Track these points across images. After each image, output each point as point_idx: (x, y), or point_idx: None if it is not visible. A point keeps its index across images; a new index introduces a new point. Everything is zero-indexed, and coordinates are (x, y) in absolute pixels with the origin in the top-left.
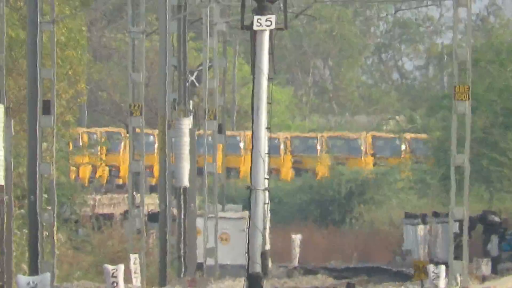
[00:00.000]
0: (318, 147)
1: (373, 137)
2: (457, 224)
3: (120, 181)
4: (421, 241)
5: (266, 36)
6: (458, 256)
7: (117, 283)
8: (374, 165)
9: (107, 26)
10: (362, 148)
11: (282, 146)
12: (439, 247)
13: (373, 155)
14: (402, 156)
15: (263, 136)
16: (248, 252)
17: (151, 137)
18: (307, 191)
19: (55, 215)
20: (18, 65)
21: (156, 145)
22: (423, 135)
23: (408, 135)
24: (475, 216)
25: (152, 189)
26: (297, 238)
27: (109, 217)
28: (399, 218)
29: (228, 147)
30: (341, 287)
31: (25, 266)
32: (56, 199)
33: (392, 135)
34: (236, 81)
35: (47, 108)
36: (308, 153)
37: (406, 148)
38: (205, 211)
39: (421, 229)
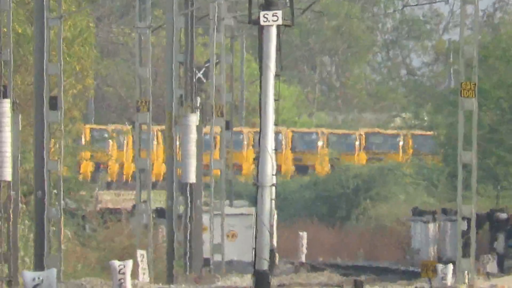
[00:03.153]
0: (357, 143)
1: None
2: (466, 221)
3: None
4: (431, 239)
5: (273, 31)
6: (466, 254)
7: (124, 280)
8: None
9: (114, 21)
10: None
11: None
12: (448, 244)
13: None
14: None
15: (271, 132)
16: (255, 249)
17: (106, 134)
18: (312, 188)
19: (61, 210)
20: (25, 61)
21: (110, 143)
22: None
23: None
24: (483, 214)
25: (109, 186)
26: (303, 235)
27: (115, 212)
28: (406, 214)
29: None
30: (348, 284)
31: (28, 261)
32: (62, 194)
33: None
34: (244, 78)
35: (54, 104)
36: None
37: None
38: (211, 207)
39: (430, 227)
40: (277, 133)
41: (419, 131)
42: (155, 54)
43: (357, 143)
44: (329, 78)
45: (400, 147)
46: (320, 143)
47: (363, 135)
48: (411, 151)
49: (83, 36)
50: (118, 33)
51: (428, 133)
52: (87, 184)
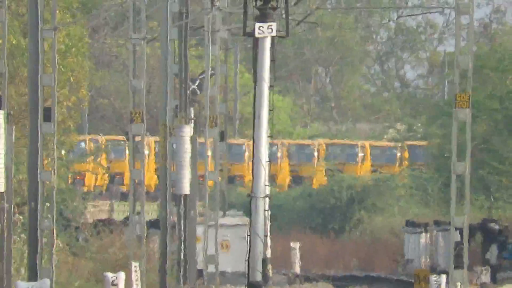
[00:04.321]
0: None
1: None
2: (458, 232)
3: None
4: (423, 249)
5: (267, 43)
6: (458, 265)
7: None
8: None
9: (109, 33)
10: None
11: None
12: (441, 255)
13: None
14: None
15: (264, 143)
16: (248, 260)
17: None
18: (306, 199)
19: (54, 222)
20: (19, 73)
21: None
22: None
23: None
24: (475, 224)
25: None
26: (296, 246)
27: (108, 223)
28: (399, 226)
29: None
30: None
31: (23, 271)
32: (55, 206)
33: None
34: (238, 89)
35: (48, 115)
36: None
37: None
38: (205, 218)
39: (422, 237)
40: (240, 145)
41: (378, 142)
42: (150, 65)
43: (315, 153)
44: (324, 89)
45: (360, 158)
46: (279, 154)
47: (323, 146)
48: (369, 162)
49: (77, 47)
50: (113, 44)
51: (387, 144)
52: (80, 195)
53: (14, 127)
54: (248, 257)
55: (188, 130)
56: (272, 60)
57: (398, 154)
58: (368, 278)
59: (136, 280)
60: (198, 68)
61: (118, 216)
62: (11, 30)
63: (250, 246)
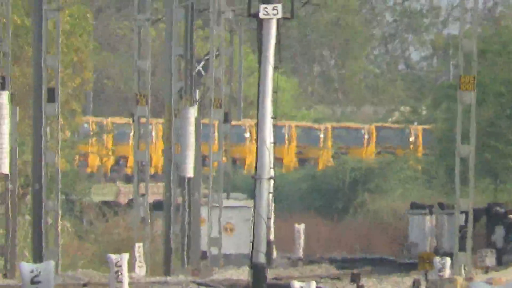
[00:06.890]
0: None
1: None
2: (463, 215)
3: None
4: (427, 232)
5: (272, 25)
6: (463, 248)
7: (121, 273)
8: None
9: (114, 14)
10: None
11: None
12: (445, 238)
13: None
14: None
15: (268, 125)
16: (252, 242)
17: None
18: (310, 181)
19: (59, 203)
20: (24, 53)
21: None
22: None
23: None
24: (481, 208)
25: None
26: (300, 228)
27: (113, 205)
28: (403, 208)
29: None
30: (345, 277)
31: (27, 253)
32: (59, 187)
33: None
34: (243, 70)
35: (51, 96)
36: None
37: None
38: (209, 200)
39: (427, 220)
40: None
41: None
42: (155, 48)
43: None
44: (328, 71)
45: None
46: (247, 135)
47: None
48: (330, 144)
49: (81, 26)
50: (117, 26)
51: (355, 125)
52: (85, 177)
53: (18, 107)
54: (252, 239)
55: (192, 112)
56: (278, 42)
57: (366, 136)
58: (371, 260)
59: (140, 261)
60: (203, 49)
61: (125, 199)
62: (15, 9)
63: (253, 228)
